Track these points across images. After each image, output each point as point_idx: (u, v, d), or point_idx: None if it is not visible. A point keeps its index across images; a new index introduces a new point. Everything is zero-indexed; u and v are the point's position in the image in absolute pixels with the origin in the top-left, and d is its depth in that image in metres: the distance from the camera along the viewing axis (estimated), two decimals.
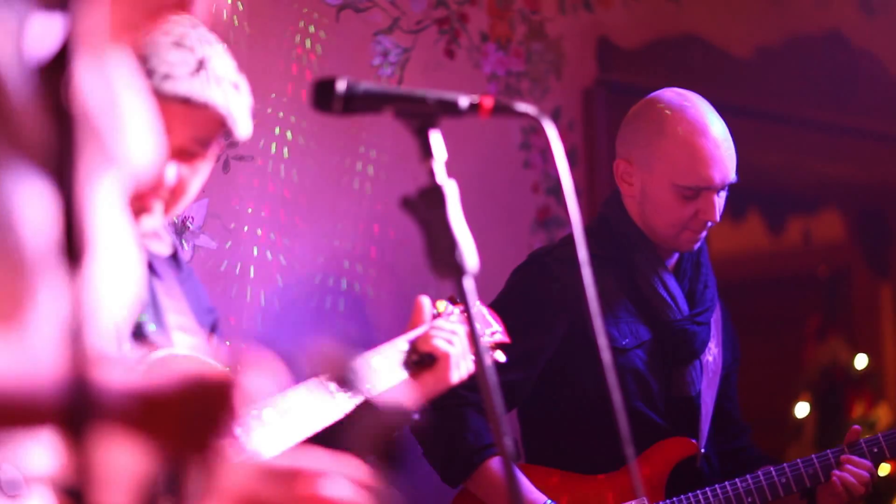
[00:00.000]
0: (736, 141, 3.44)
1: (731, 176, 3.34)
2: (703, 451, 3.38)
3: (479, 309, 2.82)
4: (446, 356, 2.58)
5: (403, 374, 2.56)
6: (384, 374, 2.52)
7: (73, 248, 1.06)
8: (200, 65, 2.18)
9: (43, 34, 1.10)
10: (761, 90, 4.59)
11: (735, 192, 3.45)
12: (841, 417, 4.64)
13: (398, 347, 2.58)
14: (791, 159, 4.68)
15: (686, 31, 4.52)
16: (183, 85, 2.14)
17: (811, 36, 4.66)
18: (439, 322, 2.62)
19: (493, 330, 2.81)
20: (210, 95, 2.16)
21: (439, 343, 2.58)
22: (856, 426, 3.35)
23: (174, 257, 2.38)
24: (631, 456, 2.14)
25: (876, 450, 3.31)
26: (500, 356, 2.77)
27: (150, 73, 2.14)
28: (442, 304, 2.71)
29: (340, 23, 3.73)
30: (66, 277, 1.07)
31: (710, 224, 3.35)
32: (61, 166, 1.06)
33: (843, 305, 4.96)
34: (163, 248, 2.33)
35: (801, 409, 4.39)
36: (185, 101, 2.14)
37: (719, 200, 3.34)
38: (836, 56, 4.64)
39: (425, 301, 2.70)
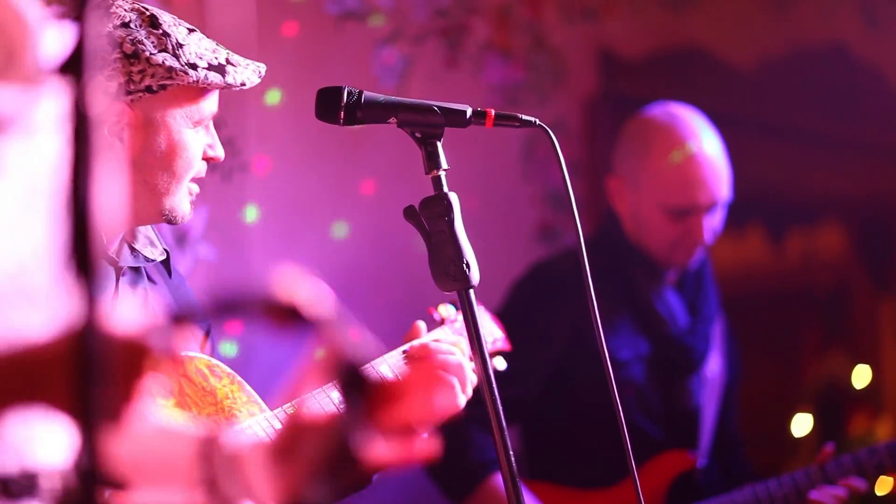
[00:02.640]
0: (737, 153, 3.42)
1: (721, 196, 3.31)
2: (701, 465, 3.36)
3: (482, 314, 2.76)
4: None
5: None
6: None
7: (83, 253, 1.07)
8: (215, 48, 2.25)
9: (56, 41, 1.13)
10: (763, 102, 4.57)
11: (736, 206, 3.43)
12: (841, 433, 4.62)
13: (397, 358, 2.53)
14: (792, 172, 4.66)
15: (688, 42, 4.50)
16: (216, 61, 2.22)
17: (813, 48, 4.65)
18: (442, 332, 2.57)
19: (494, 337, 2.76)
20: (242, 76, 2.24)
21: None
22: (828, 446, 3.28)
23: (166, 263, 2.37)
24: (632, 470, 2.12)
25: (877, 461, 3.28)
26: (501, 363, 2.71)
27: (181, 55, 2.19)
28: (445, 310, 2.65)
29: (341, 32, 3.71)
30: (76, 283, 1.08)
31: (706, 243, 3.33)
32: (76, 171, 1.07)
33: (844, 320, 4.94)
34: (156, 254, 2.32)
35: (801, 424, 4.37)
36: (223, 83, 2.22)
37: (710, 220, 3.32)
38: (838, 68, 4.63)
39: (421, 324, 2.63)
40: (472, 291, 2.09)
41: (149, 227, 2.34)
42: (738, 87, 4.52)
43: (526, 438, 3.45)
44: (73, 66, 1.05)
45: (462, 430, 3.17)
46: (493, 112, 2.13)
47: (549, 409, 3.34)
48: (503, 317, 3.29)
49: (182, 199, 2.28)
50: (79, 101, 1.05)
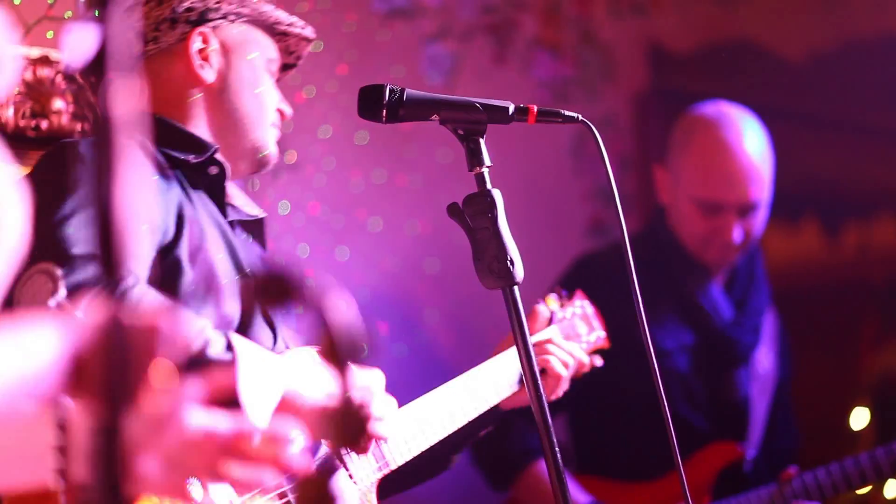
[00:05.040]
0: (790, 147, 3.40)
1: (757, 198, 3.29)
2: (750, 456, 3.35)
3: (586, 310, 2.75)
4: (558, 378, 2.54)
5: (514, 388, 2.53)
6: (501, 386, 2.50)
7: (108, 248, 1.08)
8: None
9: (79, 43, 1.14)
10: (816, 95, 4.54)
11: (790, 199, 3.42)
12: None
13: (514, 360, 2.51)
14: (847, 165, 4.62)
15: (739, 36, 4.48)
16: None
17: (866, 39, 4.60)
18: (556, 335, 2.57)
19: (597, 334, 2.74)
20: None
21: (555, 363, 2.53)
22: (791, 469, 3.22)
23: (260, 230, 2.42)
24: (677, 460, 2.11)
25: None
26: (598, 361, 2.70)
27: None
28: (552, 303, 2.65)
29: (388, 29, 3.71)
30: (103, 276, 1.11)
31: (734, 243, 3.31)
32: (99, 169, 1.09)
33: None
34: (257, 211, 2.40)
35: (859, 419, 4.33)
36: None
37: (744, 221, 3.29)
38: (891, 60, 4.58)
39: (541, 309, 2.64)
40: (516, 288, 2.09)
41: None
42: (790, 79, 4.49)
43: (572, 431, 3.45)
44: (97, 68, 1.07)
45: (506, 420, 3.18)
46: (535, 108, 2.13)
47: (594, 401, 3.34)
48: None
49: (270, 134, 2.39)
50: (102, 102, 1.06)
